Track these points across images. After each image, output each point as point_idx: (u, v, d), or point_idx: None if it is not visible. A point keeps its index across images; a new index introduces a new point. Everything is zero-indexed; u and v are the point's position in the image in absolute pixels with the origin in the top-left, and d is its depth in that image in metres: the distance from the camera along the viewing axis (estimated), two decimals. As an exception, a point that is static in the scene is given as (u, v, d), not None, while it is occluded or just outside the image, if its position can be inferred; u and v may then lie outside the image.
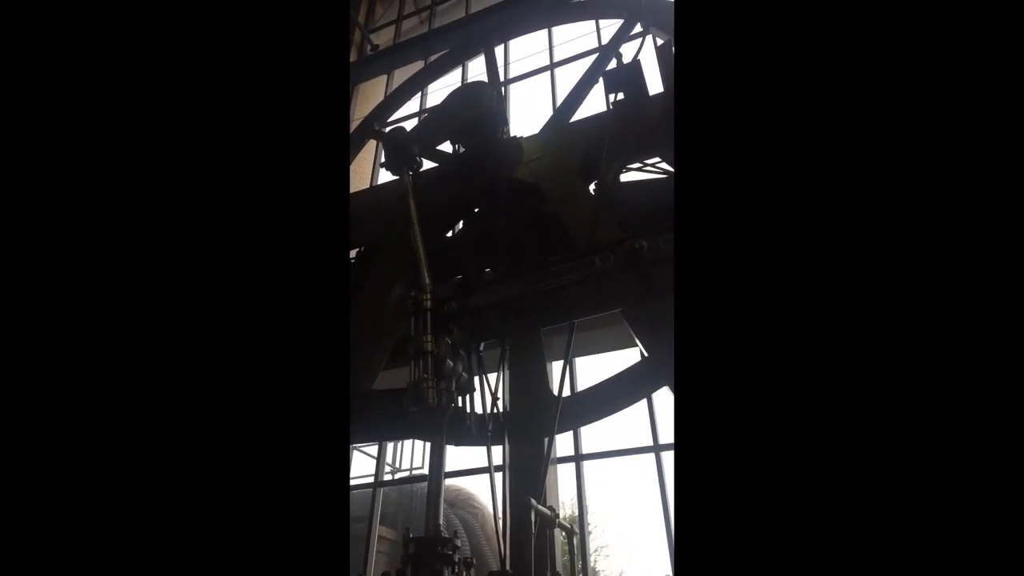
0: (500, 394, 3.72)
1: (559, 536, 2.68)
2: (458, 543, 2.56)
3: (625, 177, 4.50)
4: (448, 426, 2.76)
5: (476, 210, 4.79)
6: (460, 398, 2.86)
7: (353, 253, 5.25)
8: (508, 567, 2.49)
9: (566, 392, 4.20)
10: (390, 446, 6.26)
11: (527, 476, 3.36)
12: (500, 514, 3.13)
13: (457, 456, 4.04)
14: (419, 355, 2.74)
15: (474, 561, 2.55)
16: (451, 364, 2.77)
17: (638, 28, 6.04)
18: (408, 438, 3.30)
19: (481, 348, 3.07)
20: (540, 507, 2.53)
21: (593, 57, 6.41)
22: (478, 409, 3.08)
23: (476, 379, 3.05)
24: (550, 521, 2.58)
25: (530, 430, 3.69)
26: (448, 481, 2.80)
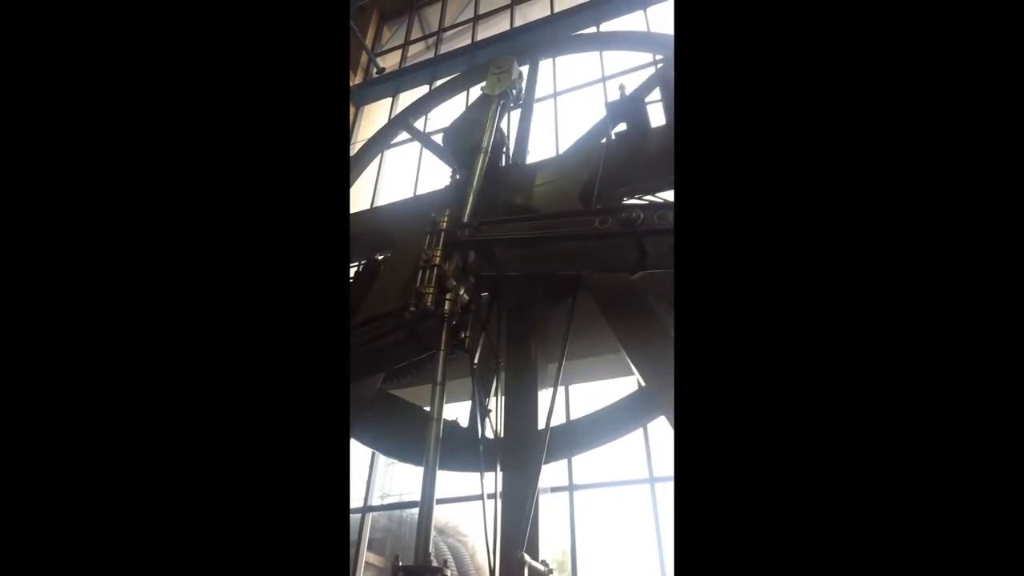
0: (492, 417, 3.69)
1: None
2: (447, 572, 2.51)
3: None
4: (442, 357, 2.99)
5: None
6: (459, 314, 3.14)
7: (352, 270, 5.25)
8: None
9: (561, 420, 4.16)
10: (381, 469, 6.17)
11: (519, 505, 3.31)
12: (490, 545, 3.08)
13: (448, 483, 3.98)
14: (426, 266, 3.10)
15: (463, 592, 2.49)
16: (454, 283, 3.09)
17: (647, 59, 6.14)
18: (406, 358, 3.46)
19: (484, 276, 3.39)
20: (533, 563, 2.49)
21: (596, 87, 6.52)
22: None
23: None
24: None
25: (523, 458, 3.63)
26: (438, 508, 2.76)
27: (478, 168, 4.14)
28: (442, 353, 3.01)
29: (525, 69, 5.60)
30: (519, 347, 4.18)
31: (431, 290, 3.03)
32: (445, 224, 3.34)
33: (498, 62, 5.08)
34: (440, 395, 2.93)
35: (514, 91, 4.91)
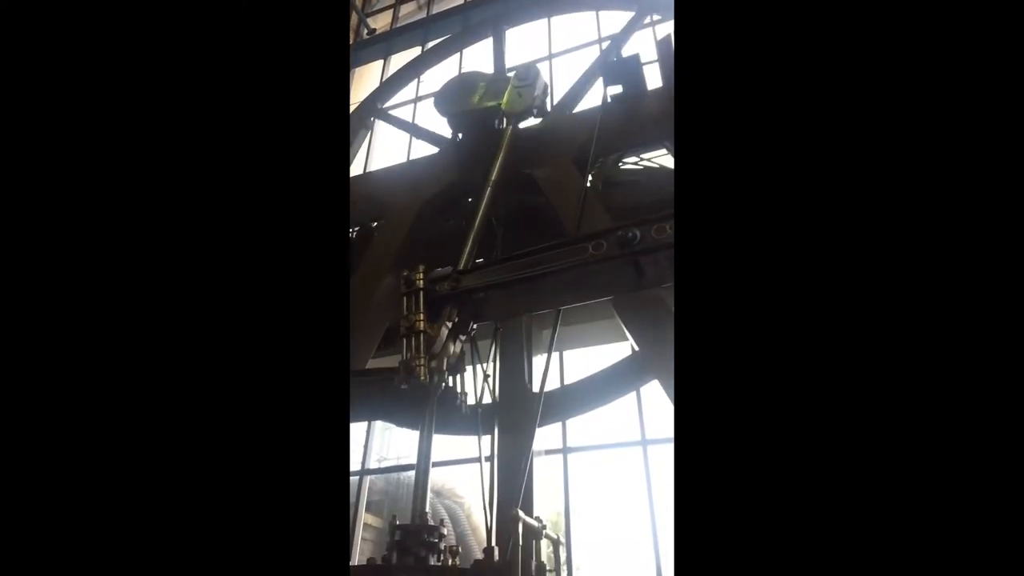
0: (490, 381, 3.73)
1: (545, 545, 2.72)
2: (444, 531, 2.56)
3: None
4: (438, 408, 2.79)
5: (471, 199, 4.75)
6: (451, 378, 2.90)
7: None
8: (495, 555, 2.51)
9: (555, 385, 4.21)
10: (377, 433, 6.27)
11: (514, 467, 3.38)
12: (486, 506, 3.15)
13: (443, 446, 4.04)
14: (411, 334, 2.76)
15: (459, 549, 2.55)
16: (442, 343, 2.79)
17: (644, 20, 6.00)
18: (397, 420, 3.33)
19: (473, 329, 3.13)
20: (527, 519, 2.54)
21: (592, 48, 6.38)
22: (470, 397, 3.13)
23: (468, 364, 3.11)
24: (536, 532, 2.60)
25: (518, 422, 3.69)
26: (434, 471, 2.81)
27: (481, 207, 3.68)
28: (425, 431, 2.74)
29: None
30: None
31: (422, 361, 2.70)
32: (422, 281, 2.97)
33: (522, 73, 4.41)
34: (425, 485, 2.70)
35: (535, 109, 4.36)
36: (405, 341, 2.77)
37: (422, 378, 2.65)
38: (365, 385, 2.94)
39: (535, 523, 2.60)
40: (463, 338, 3.00)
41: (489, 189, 3.77)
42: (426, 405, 2.76)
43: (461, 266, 3.11)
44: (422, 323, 2.79)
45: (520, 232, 4.34)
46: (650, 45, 5.48)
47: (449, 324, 2.86)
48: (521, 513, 2.49)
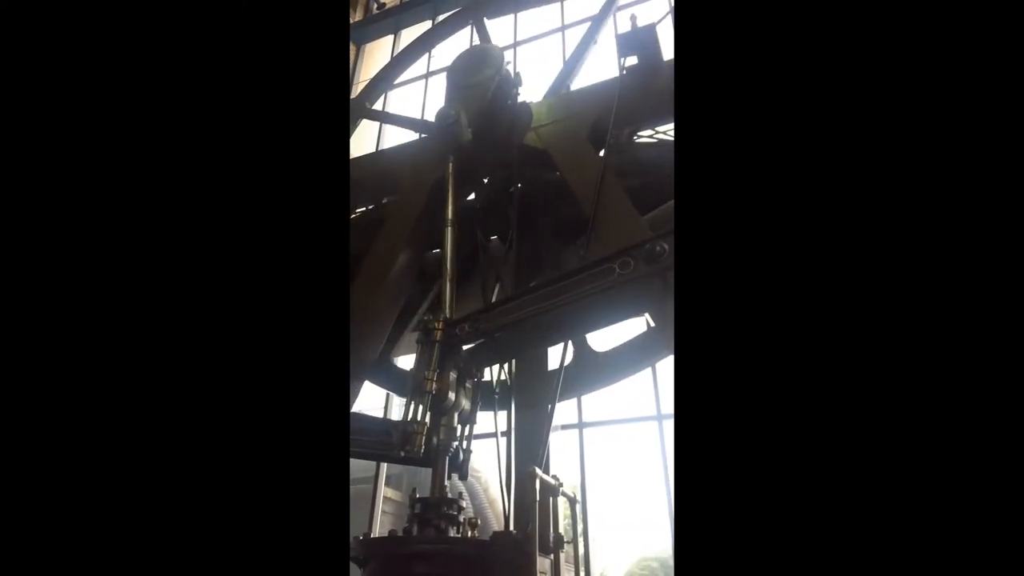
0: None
1: (562, 504, 2.73)
2: (463, 504, 2.62)
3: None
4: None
5: (486, 178, 4.72)
6: (461, 428, 2.82)
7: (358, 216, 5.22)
8: (512, 527, 2.55)
9: (570, 359, 4.22)
10: (395, 408, 6.36)
11: (530, 443, 3.41)
12: (504, 480, 3.20)
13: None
14: (419, 393, 2.60)
15: (478, 521, 2.60)
16: (452, 398, 2.68)
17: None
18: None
19: (479, 375, 3.03)
20: (544, 476, 2.57)
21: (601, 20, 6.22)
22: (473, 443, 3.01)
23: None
24: (553, 490, 2.63)
25: (535, 398, 3.72)
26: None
27: (448, 250, 3.39)
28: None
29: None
30: (529, 290, 4.19)
31: (422, 429, 2.52)
32: (440, 331, 2.76)
33: (441, 113, 3.97)
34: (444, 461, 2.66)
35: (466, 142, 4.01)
36: (409, 397, 2.62)
37: (416, 448, 2.51)
38: (359, 434, 2.72)
39: (552, 481, 2.64)
40: (470, 385, 2.89)
41: (449, 229, 3.49)
42: (433, 466, 2.71)
43: (446, 312, 2.96)
44: (433, 384, 2.61)
45: (533, 211, 4.31)
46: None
47: (454, 373, 2.74)
48: (538, 471, 2.52)
